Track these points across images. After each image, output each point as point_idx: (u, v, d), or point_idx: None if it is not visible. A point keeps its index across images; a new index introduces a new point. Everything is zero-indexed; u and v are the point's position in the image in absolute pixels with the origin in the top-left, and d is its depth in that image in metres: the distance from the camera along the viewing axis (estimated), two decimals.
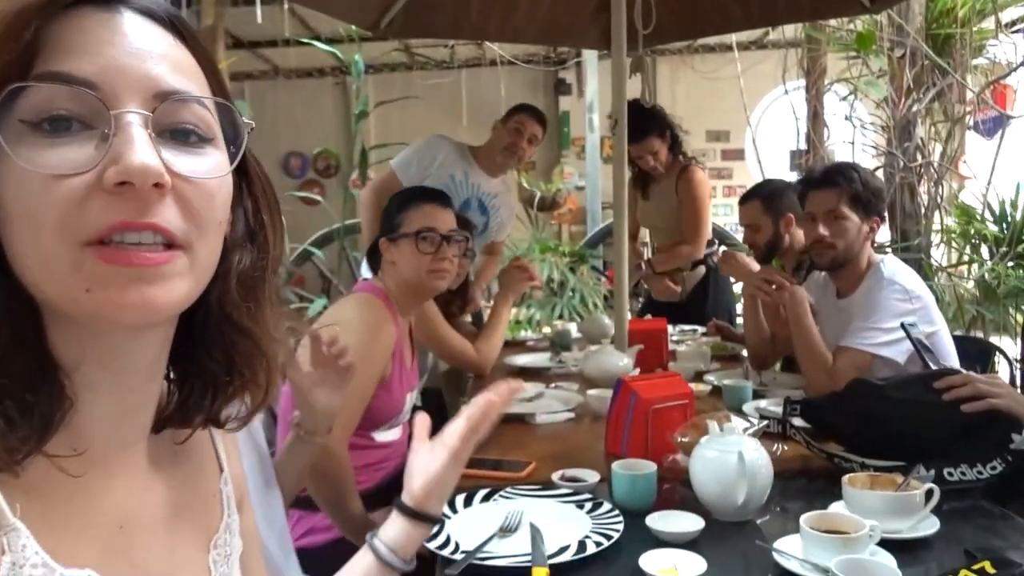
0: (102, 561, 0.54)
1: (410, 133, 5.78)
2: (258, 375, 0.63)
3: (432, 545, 1.14)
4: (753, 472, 1.19)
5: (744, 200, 2.83)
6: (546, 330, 3.71)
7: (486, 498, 1.34)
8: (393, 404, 1.80)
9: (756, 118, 6.03)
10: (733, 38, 5.22)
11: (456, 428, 0.96)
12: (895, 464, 1.35)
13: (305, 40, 5.45)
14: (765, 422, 1.53)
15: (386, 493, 1.78)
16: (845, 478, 1.21)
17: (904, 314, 1.89)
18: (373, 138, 6.60)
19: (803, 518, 1.06)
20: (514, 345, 3.05)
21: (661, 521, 1.17)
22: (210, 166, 0.54)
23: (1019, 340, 3.20)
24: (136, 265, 0.49)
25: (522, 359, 2.68)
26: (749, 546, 1.12)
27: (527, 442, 1.75)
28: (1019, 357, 2.78)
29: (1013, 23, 3.73)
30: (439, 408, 2.62)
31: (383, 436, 1.84)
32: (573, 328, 3.16)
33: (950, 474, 1.32)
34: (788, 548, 1.06)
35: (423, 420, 1.01)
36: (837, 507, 1.20)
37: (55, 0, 0.49)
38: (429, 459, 0.95)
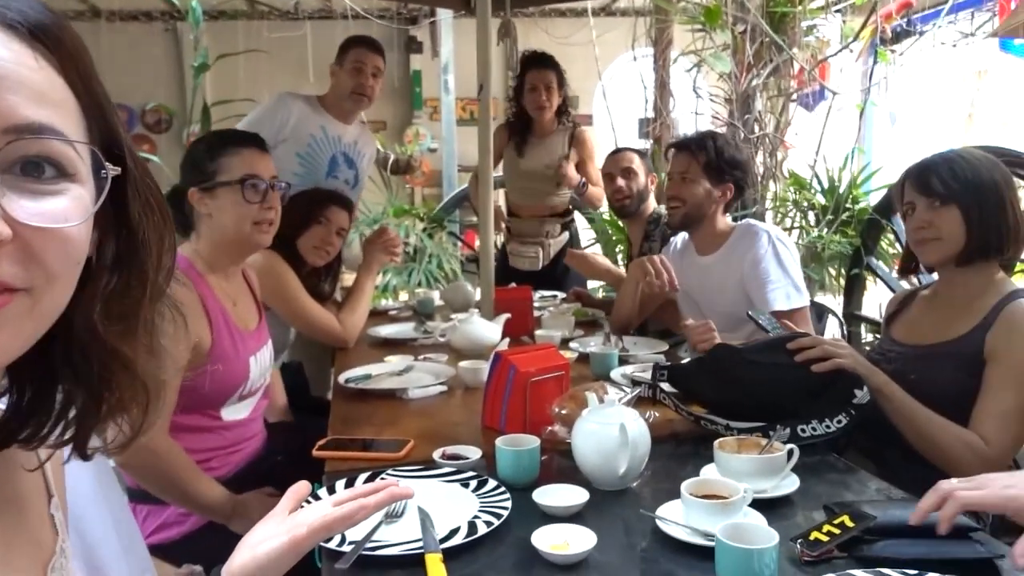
0: None
1: (252, 89, 5.44)
2: (134, 398, 0.57)
3: None
4: (634, 443, 1.24)
5: (619, 150, 2.96)
6: (405, 297, 3.66)
7: (367, 481, 1.30)
8: (231, 374, 1.64)
9: (606, 85, 6.19)
10: (588, 3, 5.28)
11: (314, 520, 0.84)
12: (755, 425, 1.45)
13: None
14: (638, 389, 1.59)
15: (248, 478, 1.68)
16: (716, 443, 1.28)
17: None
18: (210, 93, 6.14)
19: (684, 485, 1.11)
20: (376, 315, 2.98)
21: (547, 496, 1.19)
22: (65, 208, 0.47)
23: (841, 298, 3.53)
24: None
25: (386, 330, 2.63)
26: (633, 515, 1.17)
27: (401, 418, 1.72)
28: (841, 314, 3.07)
29: (837, 1, 4.03)
30: (301, 383, 2.52)
31: (232, 413, 1.70)
32: (436, 296, 3.13)
33: (803, 431, 1.43)
34: (670, 514, 1.11)
35: (299, 490, 0.91)
36: (709, 471, 1.27)
37: None
38: (266, 537, 0.83)
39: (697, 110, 4.20)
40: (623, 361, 2.08)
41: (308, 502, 0.92)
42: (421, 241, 4.74)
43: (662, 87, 4.84)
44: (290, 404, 2.26)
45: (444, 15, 6.23)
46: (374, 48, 2.84)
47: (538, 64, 3.30)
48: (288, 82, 4.38)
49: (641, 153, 2.97)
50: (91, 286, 0.53)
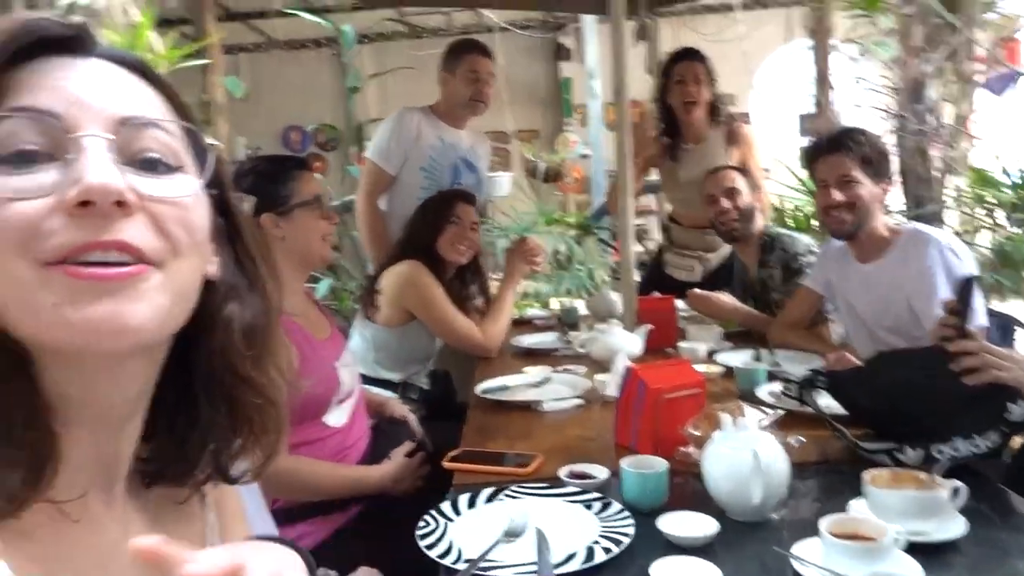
0: None
1: (409, 104, 5.68)
2: (267, 426, 0.62)
3: (434, 553, 1.10)
4: (769, 470, 1.14)
5: (718, 169, 2.76)
6: (553, 306, 3.65)
7: (491, 498, 1.29)
8: (323, 383, 1.72)
9: (761, 81, 5.90)
10: None
11: None
12: (883, 446, 1.31)
13: (293, 11, 5.32)
14: (779, 412, 1.47)
15: None
16: (866, 475, 1.15)
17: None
18: (372, 110, 6.48)
19: (823, 523, 1.00)
20: (520, 324, 2.99)
21: (673, 524, 1.12)
22: (180, 188, 0.53)
23: None
24: (105, 280, 0.48)
25: (528, 339, 2.63)
26: (766, 552, 1.07)
27: (535, 431, 1.70)
28: None
29: None
30: (447, 391, 2.58)
31: (333, 419, 1.76)
32: (581, 305, 3.10)
33: (940, 452, 1.27)
34: (808, 554, 1.01)
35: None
36: (858, 506, 1.15)
37: (18, 43, 0.50)
38: None
39: (861, 102, 3.89)
40: (773, 377, 1.95)
41: None
42: (570, 249, 4.72)
43: (822, 79, 4.54)
44: (435, 411, 2.32)
45: (588, 20, 6.19)
46: (486, 53, 2.86)
47: (684, 57, 3.13)
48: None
49: (741, 170, 2.75)
50: (220, 314, 0.58)
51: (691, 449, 1.37)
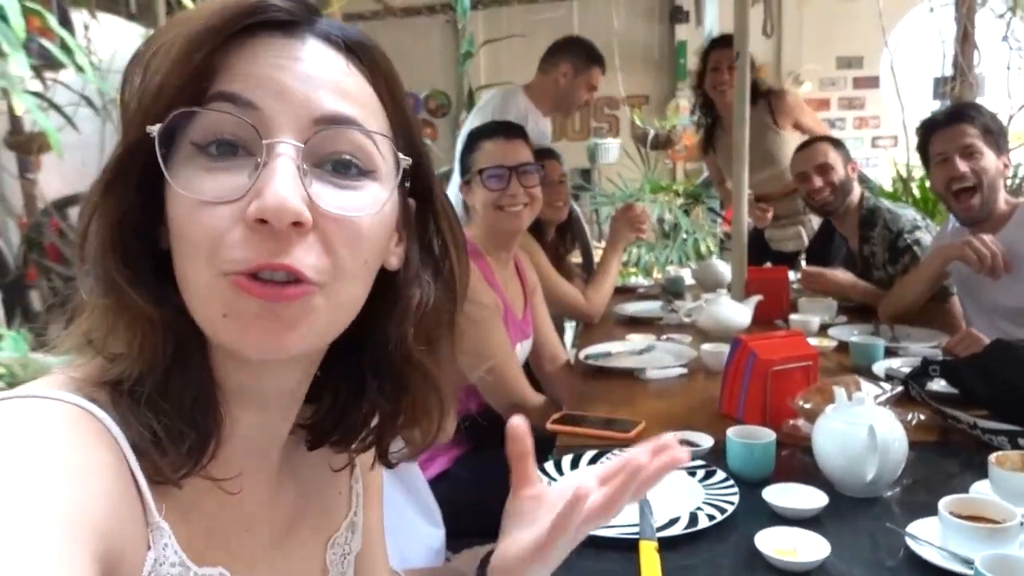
0: (230, 562, 0.56)
1: (521, 71, 5.67)
2: (431, 413, 0.63)
3: None
4: (885, 448, 1.10)
5: (808, 143, 2.63)
6: (657, 275, 3.60)
7: (593, 460, 1.31)
8: None
9: (895, 41, 5.52)
10: None
11: (580, 504, 0.57)
12: (1004, 427, 1.23)
13: None
14: (898, 388, 1.41)
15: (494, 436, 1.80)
16: (992, 457, 1.09)
17: None
18: (483, 77, 6.52)
19: (943, 503, 0.96)
20: (624, 292, 2.97)
21: (780, 495, 1.10)
22: (365, 202, 0.52)
23: None
24: (272, 300, 0.49)
25: (632, 307, 2.61)
26: (878, 528, 1.04)
27: (637, 399, 1.70)
28: None
29: None
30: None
31: None
32: (686, 274, 3.05)
33: None
34: (923, 533, 0.97)
35: (519, 441, 0.63)
36: (981, 488, 1.09)
37: (228, 24, 0.49)
38: (525, 529, 0.61)
39: (1009, 63, 3.59)
40: (890, 353, 1.86)
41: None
42: (676, 218, 4.63)
43: (964, 39, 4.20)
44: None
45: None
46: (603, 64, 3.00)
47: (720, 44, 3.06)
48: None
49: (834, 142, 2.60)
50: (401, 301, 0.58)
51: (800, 422, 1.34)
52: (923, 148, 2.08)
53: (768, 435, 1.25)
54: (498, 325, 1.79)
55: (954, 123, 1.95)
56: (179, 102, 0.49)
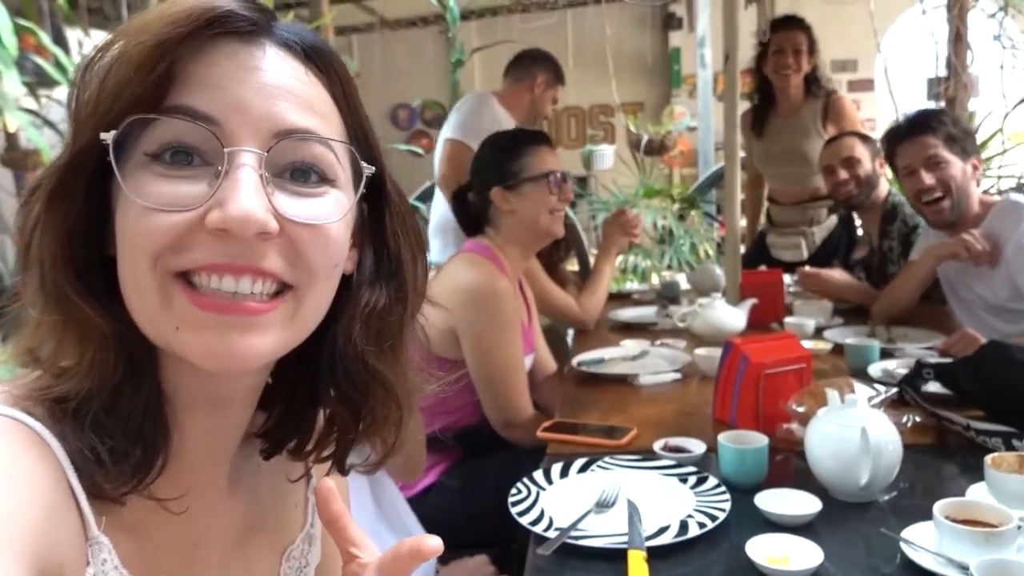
0: None
1: None
2: (389, 420, 0.61)
3: (525, 520, 1.10)
4: (879, 451, 1.07)
5: (835, 137, 2.62)
6: (654, 281, 3.58)
7: (583, 468, 1.28)
8: None
9: (888, 44, 5.52)
10: None
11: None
12: (999, 428, 1.20)
13: None
14: (892, 390, 1.39)
15: (472, 438, 1.79)
16: (988, 459, 1.06)
17: None
18: (478, 85, 6.52)
19: (938, 506, 0.93)
20: (619, 298, 2.95)
21: (772, 501, 1.08)
22: (327, 209, 0.52)
23: None
24: (228, 313, 0.48)
25: (627, 313, 2.59)
26: (873, 534, 1.01)
27: (630, 405, 1.68)
28: None
29: None
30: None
31: None
32: (682, 279, 3.02)
33: None
34: (919, 539, 0.95)
35: (326, 504, 0.57)
36: (977, 491, 1.07)
37: (195, 33, 0.48)
38: None
39: (1002, 62, 3.57)
40: (886, 355, 1.83)
41: None
42: (672, 223, 4.61)
43: (957, 40, 4.18)
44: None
45: None
46: (562, 78, 3.10)
47: (785, 25, 3.01)
48: None
49: (863, 137, 2.58)
50: (351, 305, 0.57)
51: (794, 426, 1.32)
52: (890, 159, 2.08)
53: (760, 440, 1.23)
54: (517, 332, 1.79)
55: (916, 135, 1.96)
56: (135, 110, 0.47)
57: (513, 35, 5.95)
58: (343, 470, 0.64)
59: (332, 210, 0.52)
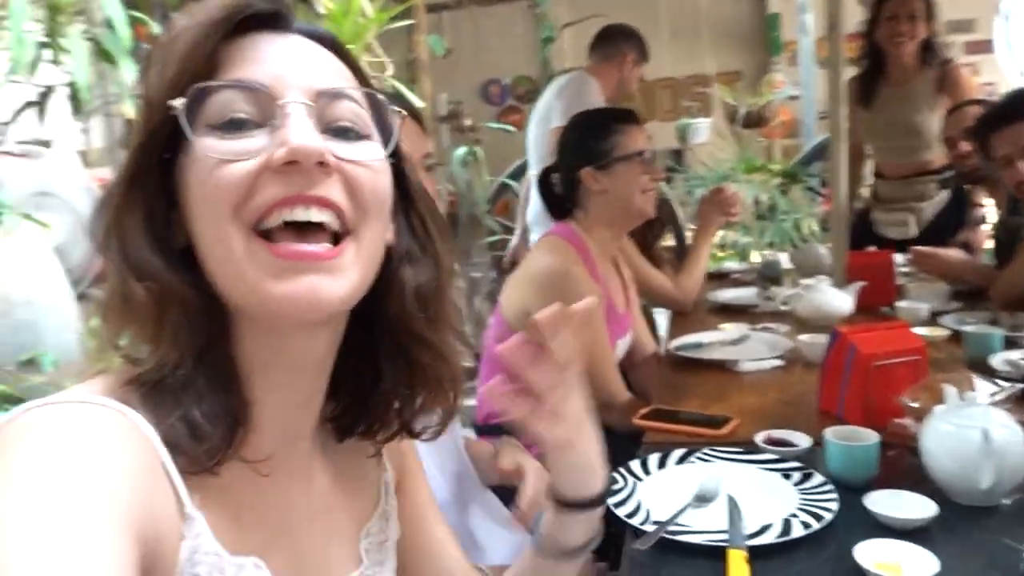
0: (265, 550, 0.58)
1: None
2: (443, 384, 0.67)
3: (622, 512, 1.09)
4: (1002, 453, 1.01)
5: (959, 107, 2.42)
6: (754, 259, 3.47)
7: (682, 459, 1.26)
8: None
9: (1008, 2, 5.11)
10: None
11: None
12: None
13: None
14: (1017, 386, 1.30)
15: None
16: None
17: None
18: (568, 60, 6.44)
19: None
20: (717, 278, 2.87)
21: (883, 502, 1.03)
22: (369, 151, 0.59)
23: None
24: (305, 259, 0.54)
25: (726, 294, 2.52)
26: (996, 544, 0.96)
27: (729, 393, 1.64)
28: None
29: None
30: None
31: None
32: (784, 258, 2.91)
33: None
34: None
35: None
36: None
37: (229, 18, 0.56)
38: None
39: None
40: (1011, 344, 1.71)
41: None
42: (773, 198, 4.44)
43: None
44: None
45: None
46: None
47: None
48: None
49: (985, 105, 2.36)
50: (397, 276, 0.63)
51: (908, 421, 1.25)
52: (984, 145, 1.92)
53: (871, 436, 1.17)
54: (596, 317, 1.77)
55: (1014, 121, 1.77)
56: (196, 81, 0.54)
57: (603, 8, 5.83)
58: (414, 435, 0.69)
59: (375, 154, 0.59)
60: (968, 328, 1.77)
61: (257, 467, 0.57)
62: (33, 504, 0.44)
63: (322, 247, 0.55)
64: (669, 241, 3.07)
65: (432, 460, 1.16)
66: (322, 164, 0.54)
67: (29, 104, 3.18)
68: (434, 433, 0.70)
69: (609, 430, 1.69)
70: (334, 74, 0.59)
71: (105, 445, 0.49)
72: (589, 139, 1.84)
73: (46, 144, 3.96)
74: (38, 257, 2.62)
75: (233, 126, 0.55)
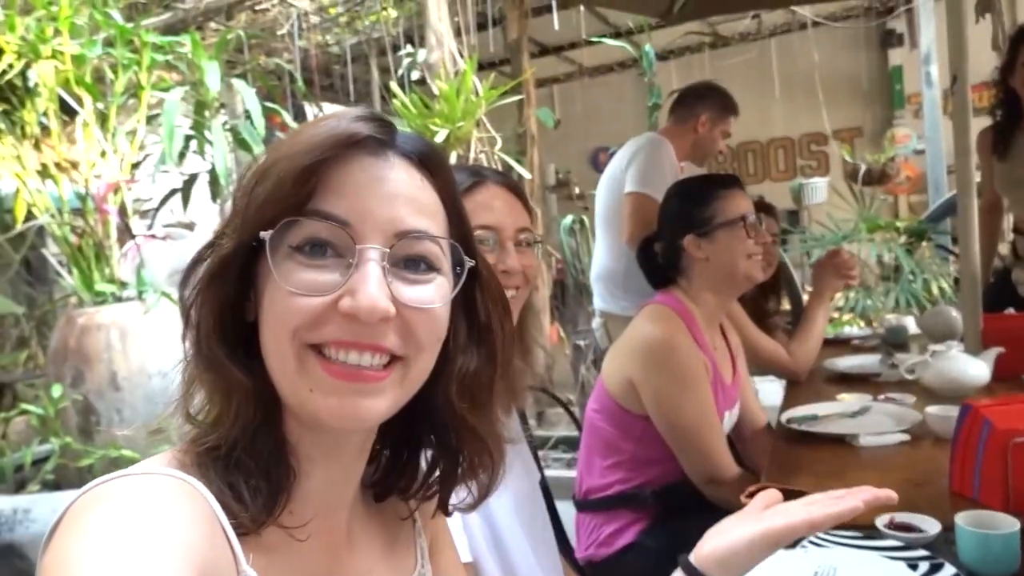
0: None
1: None
2: (485, 466, 0.71)
3: None
4: None
5: None
6: (878, 325, 3.26)
7: (794, 544, 1.17)
8: None
9: None
10: None
11: (791, 516, 0.77)
12: None
13: (597, 39, 5.49)
14: None
15: (671, 498, 1.71)
16: None
17: None
18: None
19: None
20: (836, 344, 2.72)
21: None
22: (433, 294, 0.62)
23: None
24: (353, 381, 0.59)
25: (845, 362, 2.37)
26: None
27: (848, 470, 1.52)
28: None
29: None
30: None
31: None
32: (910, 322, 2.73)
33: None
34: None
35: (771, 495, 0.84)
36: None
37: (328, 149, 0.60)
38: (737, 524, 0.80)
39: None
40: None
41: None
42: (897, 258, 4.19)
43: None
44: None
45: (923, 0, 5.48)
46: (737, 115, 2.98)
47: None
48: (754, 102, 4.30)
49: None
50: (448, 368, 0.67)
51: None
52: None
53: (1011, 524, 1.05)
54: (704, 388, 1.71)
55: None
56: (287, 214, 0.59)
57: (711, 73, 5.83)
58: (447, 510, 0.74)
59: (438, 294, 0.62)
60: None
61: (294, 532, 0.61)
62: (105, 553, 0.49)
63: (372, 369, 0.59)
64: (786, 306, 2.93)
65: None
66: (384, 319, 0.58)
67: (174, 191, 3.50)
68: (467, 508, 0.73)
69: (718, 508, 1.62)
70: (419, 209, 0.62)
71: (169, 502, 0.54)
72: (690, 206, 1.81)
73: (189, 227, 4.32)
74: (171, 331, 2.82)
75: (314, 250, 0.59)
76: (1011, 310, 2.35)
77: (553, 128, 5.15)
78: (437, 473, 0.71)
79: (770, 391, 2.48)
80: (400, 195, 0.61)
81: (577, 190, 7.66)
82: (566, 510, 1.79)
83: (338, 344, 0.58)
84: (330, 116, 0.63)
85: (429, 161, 0.65)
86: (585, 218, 4.88)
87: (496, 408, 0.69)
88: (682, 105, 3.01)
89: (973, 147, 2.24)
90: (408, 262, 0.61)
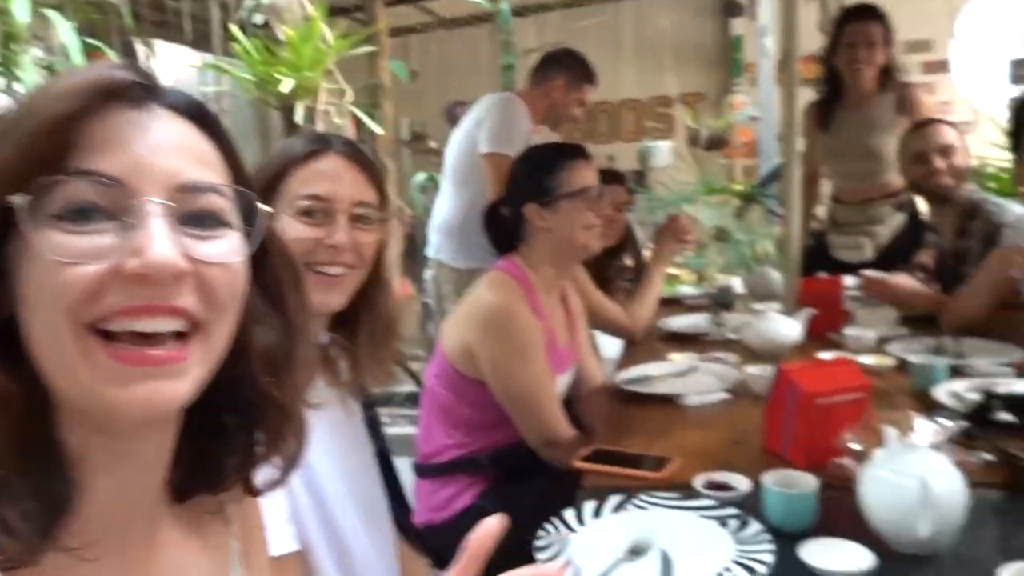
0: None
1: None
2: (287, 439, 0.64)
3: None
4: (940, 504, 0.97)
5: (929, 121, 2.41)
6: (711, 286, 3.44)
7: (618, 507, 1.21)
8: None
9: (964, 23, 5.22)
10: None
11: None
12: None
13: None
14: (958, 424, 1.27)
15: (504, 460, 1.73)
16: None
17: None
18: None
19: (1006, 572, 0.84)
20: (670, 304, 2.84)
21: (820, 553, 0.99)
22: (227, 248, 0.56)
23: None
24: (145, 364, 0.51)
25: (678, 322, 2.49)
26: None
27: (675, 429, 1.59)
28: None
29: None
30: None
31: None
32: (737, 283, 2.90)
33: None
34: None
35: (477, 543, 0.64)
36: None
37: (90, 104, 0.51)
38: None
39: None
40: (956, 372, 1.70)
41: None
42: (729, 220, 4.44)
43: None
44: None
45: None
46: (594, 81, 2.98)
47: (858, 16, 2.83)
48: (607, 65, 4.33)
49: (954, 125, 2.36)
50: (246, 340, 0.60)
51: (846, 461, 1.21)
52: (1016, 132, 1.89)
53: (809, 483, 1.13)
54: (539, 356, 1.72)
55: None
56: (41, 173, 0.49)
57: (567, 33, 5.85)
58: (254, 492, 0.66)
59: (231, 248, 0.56)
60: (913, 359, 1.75)
61: (81, 553, 0.52)
62: None
63: (168, 350, 0.51)
64: (629, 263, 3.03)
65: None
66: (177, 274, 0.51)
67: None
68: (274, 487, 0.67)
69: (553, 470, 1.66)
70: (200, 160, 0.55)
71: None
72: (535, 175, 1.81)
73: None
74: None
75: (79, 215, 0.50)
76: (823, 274, 2.54)
77: (410, 81, 5.00)
78: (236, 459, 0.63)
79: (609, 344, 2.57)
80: (174, 146, 0.54)
81: (433, 144, 7.53)
82: (411, 469, 1.78)
83: (125, 312, 0.50)
84: (86, 67, 0.56)
85: (199, 112, 0.58)
86: (437, 176, 4.81)
87: (295, 376, 0.63)
88: (540, 69, 3.01)
89: (799, 119, 2.37)
90: (193, 218, 0.54)
